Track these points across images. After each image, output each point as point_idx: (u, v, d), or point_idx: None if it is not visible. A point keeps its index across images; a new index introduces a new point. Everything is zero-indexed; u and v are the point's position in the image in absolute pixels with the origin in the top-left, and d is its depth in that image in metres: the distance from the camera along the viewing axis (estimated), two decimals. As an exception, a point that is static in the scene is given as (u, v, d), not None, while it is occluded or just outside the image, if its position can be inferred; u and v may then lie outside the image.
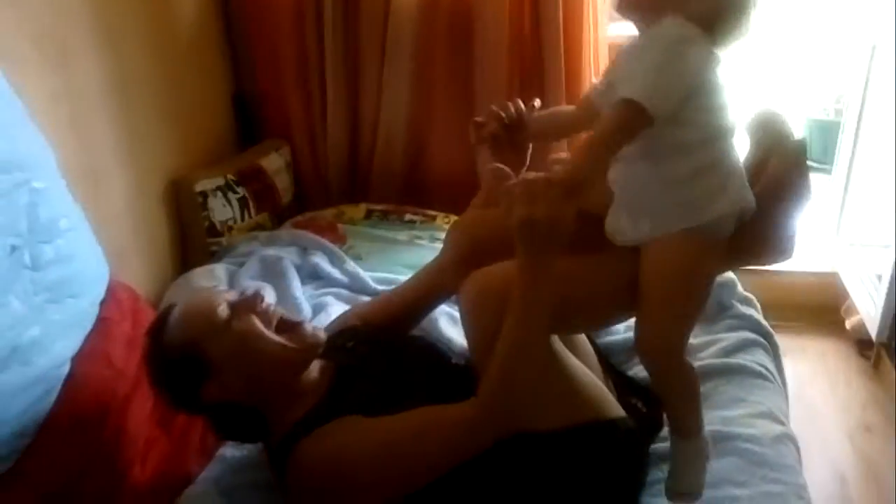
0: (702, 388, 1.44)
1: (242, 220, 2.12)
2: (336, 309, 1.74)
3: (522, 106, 1.30)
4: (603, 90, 1.14)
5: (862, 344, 2.40)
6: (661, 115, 0.98)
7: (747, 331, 1.66)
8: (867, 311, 2.27)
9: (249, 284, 1.86)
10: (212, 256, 2.05)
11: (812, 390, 2.29)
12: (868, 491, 1.97)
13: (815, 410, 2.22)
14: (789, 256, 1.18)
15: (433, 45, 2.20)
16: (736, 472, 1.26)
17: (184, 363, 1.16)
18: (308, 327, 1.22)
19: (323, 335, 1.23)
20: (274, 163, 2.25)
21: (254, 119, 2.37)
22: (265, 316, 1.19)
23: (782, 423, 1.42)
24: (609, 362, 1.50)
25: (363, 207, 2.24)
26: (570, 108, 1.37)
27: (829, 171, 2.98)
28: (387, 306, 1.50)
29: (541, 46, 2.15)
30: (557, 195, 0.98)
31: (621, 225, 1.12)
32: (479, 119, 1.32)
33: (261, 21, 2.24)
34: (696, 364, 1.50)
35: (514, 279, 1.06)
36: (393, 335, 1.42)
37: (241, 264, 1.97)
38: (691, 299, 1.11)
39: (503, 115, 1.29)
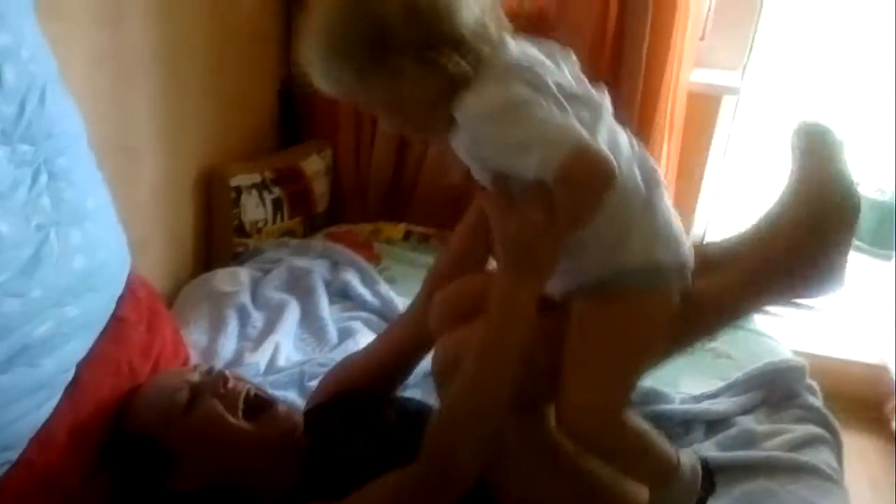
0: (769, 485, 1.35)
1: (274, 222, 1.97)
2: (364, 338, 1.59)
3: None
4: None
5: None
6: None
7: (814, 424, 1.53)
8: (920, 414, 2.11)
9: (273, 296, 1.72)
10: (236, 258, 1.89)
11: (853, 492, 2.11)
12: None
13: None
14: (839, 288, 1.11)
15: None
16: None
17: (144, 455, 1.07)
18: (281, 409, 1.12)
19: (298, 419, 1.14)
20: (314, 165, 2.09)
21: (299, 116, 2.21)
22: (228, 399, 1.08)
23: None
24: None
25: (402, 227, 2.08)
26: None
27: (885, 257, 2.85)
28: (367, 365, 1.34)
29: (617, 84, 2.01)
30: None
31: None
32: None
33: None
34: (764, 454, 1.41)
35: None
36: (376, 402, 1.27)
37: (267, 271, 1.82)
38: (618, 360, 0.96)
39: None
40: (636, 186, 0.92)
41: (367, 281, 1.84)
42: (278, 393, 1.46)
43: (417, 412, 1.25)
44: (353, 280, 1.83)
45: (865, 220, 3.25)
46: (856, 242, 3.38)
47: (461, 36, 0.83)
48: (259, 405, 1.10)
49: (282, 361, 1.55)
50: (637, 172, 0.93)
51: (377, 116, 0.93)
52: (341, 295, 1.80)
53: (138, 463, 1.08)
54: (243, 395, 1.09)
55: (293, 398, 1.46)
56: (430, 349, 1.28)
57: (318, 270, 1.82)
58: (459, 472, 0.95)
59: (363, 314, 1.74)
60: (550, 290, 0.98)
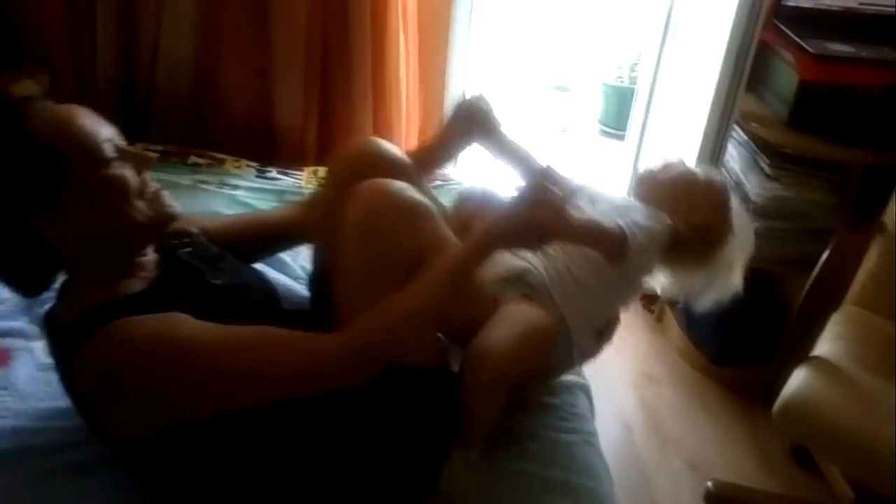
0: None
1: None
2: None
3: None
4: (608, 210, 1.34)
5: (647, 298, 2.52)
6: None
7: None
8: (654, 268, 2.36)
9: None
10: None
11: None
12: (650, 436, 2.07)
13: (605, 363, 2.28)
14: None
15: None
16: (532, 425, 1.23)
17: (37, 167, 0.95)
18: (166, 196, 1.07)
19: (177, 209, 1.08)
20: (27, 90, 1.92)
21: (5, 39, 2.01)
22: (143, 182, 1.04)
23: (574, 373, 1.43)
24: None
25: (139, 147, 1.97)
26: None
27: (622, 137, 3.11)
28: (234, 225, 1.36)
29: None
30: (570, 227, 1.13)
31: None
32: None
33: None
34: None
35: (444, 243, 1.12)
36: (232, 255, 1.25)
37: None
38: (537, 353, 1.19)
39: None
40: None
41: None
42: (7, 323, 1.41)
43: (265, 281, 1.27)
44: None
45: (610, 104, 3.56)
46: (601, 126, 3.68)
47: None
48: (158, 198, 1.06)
49: (5, 293, 1.45)
50: None
51: None
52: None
53: (23, 170, 0.96)
54: (153, 189, 1.05)
55: (21, 326, 1.41)
56: (307, 237, 1.38)
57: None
58: (380, 364, 1.02)
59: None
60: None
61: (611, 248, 1.25)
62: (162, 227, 1.08)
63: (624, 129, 3.19)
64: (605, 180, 2.95)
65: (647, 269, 1.37)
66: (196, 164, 1.97)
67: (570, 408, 1.30)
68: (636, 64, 3.39)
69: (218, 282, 1.12)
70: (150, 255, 1.10)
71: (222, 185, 1.90)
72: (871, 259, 1.78)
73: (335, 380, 1.01)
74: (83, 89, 2.04)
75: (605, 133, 3.54)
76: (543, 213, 1.06)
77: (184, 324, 0.96)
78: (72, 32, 1.98)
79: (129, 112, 2.10)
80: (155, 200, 1.05)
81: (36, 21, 1.98)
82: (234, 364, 0.96)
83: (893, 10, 1.99)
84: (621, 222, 1.27)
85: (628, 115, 2.75)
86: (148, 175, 1.06)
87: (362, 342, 1.00)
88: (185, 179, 1.90)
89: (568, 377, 1.38)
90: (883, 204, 1.78)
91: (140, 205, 1.03)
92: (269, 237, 1.38)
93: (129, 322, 0.95)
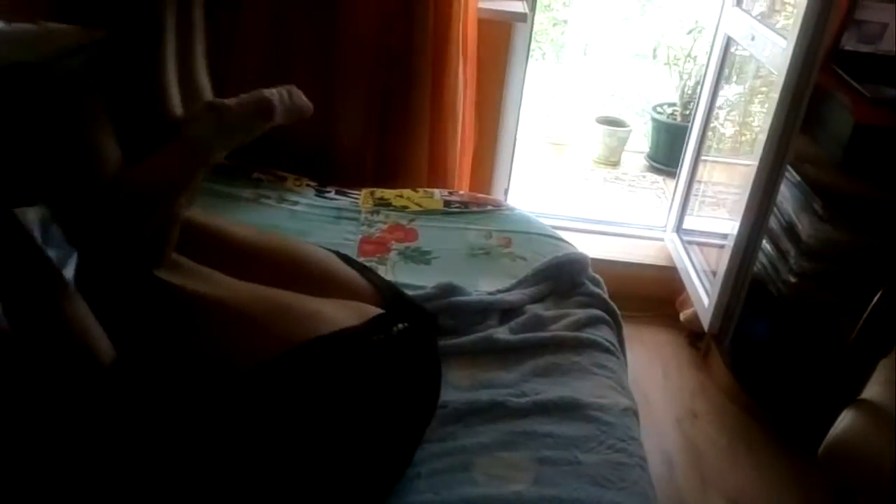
0: (555, 359, 1.48)
1: None
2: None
3: None
4: None
5: (694, 336, 2.52)
6: None
7: (596, 308, 1.68)
8: (700, 305, 2.38)
9: None
10: None
11: (646, 377, 2.38)
12: (692, 472, 2.06)
13: (649, 396, 2.30)
14: None
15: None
16: (585, 439, 1.25)
17: None
18: None
19: None
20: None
21: None
22: None
23: (628, 397, 1.44)
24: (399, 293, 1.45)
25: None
26: None
27: (674, 174, 3.14)
28: None
29: (411, 13, 2.07)
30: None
31: None
32: None
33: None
34: (550, 335, 1.54)
35: None
36: None
37: None
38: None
39: None
40: None
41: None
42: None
43: None
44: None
45: (662, 140, 3.59)
46: (652, 163, 3.70)
47: None
48: None
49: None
50: None
51: None
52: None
53: None
54: None
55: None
56: None
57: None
58: None
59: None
60: None
61: None
62: None
63: (673, 166, 3.23)
64: (653, 212, 2.99)
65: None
66: (258, 180, 2.04)
67: (625, 430, 1.31)
68: (689, 102, 3.42)
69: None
70: None
71: (282, 200, 1.97)
72: (923, 305, 1.77)
73: None
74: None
75: (654, 168, 3.57)
76: None
77: None
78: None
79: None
80: None
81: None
82: None
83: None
84: None
85: (679, 151, 2.78)
86: None
87: None
88: (247, 193, 1.97)
89: (622, 400, 1.39)
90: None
91: None
92: None
93: None
